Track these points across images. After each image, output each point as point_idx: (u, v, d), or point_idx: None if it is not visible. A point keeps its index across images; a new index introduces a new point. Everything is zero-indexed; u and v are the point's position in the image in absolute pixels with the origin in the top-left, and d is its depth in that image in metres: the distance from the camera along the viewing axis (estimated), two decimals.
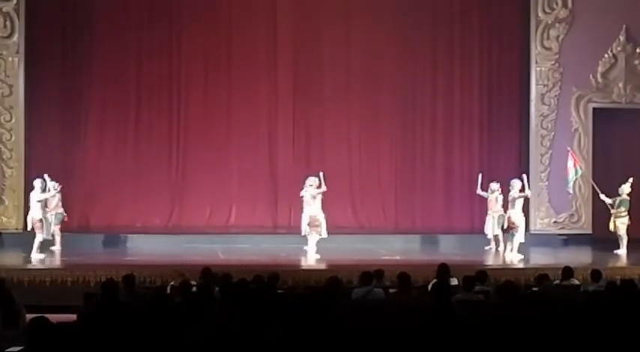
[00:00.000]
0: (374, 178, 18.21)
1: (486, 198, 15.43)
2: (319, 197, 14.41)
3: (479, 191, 15.46)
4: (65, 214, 15.09)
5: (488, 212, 15.40)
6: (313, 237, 14.45)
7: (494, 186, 15.42)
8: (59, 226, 14.93)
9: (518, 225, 14.64)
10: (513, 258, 14.41)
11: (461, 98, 18.16)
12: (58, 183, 14.79)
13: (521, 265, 13.88)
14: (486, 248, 15.50)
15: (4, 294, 8.21)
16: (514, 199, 14.68)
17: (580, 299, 8.00)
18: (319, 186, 14.43)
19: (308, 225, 14.48)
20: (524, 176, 14.96)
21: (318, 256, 14.26)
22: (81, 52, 17.33)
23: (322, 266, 13.75)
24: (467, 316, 6.76)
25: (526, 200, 15.10)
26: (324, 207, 14.54)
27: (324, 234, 14.44)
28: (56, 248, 14.79)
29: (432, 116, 18.25)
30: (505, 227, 14.91)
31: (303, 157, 17.78)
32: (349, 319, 6.48)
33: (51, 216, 14.70)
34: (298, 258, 14.28)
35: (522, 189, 14.71)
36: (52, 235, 14.74)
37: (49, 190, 14.63)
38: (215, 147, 17.79)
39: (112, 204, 17.22)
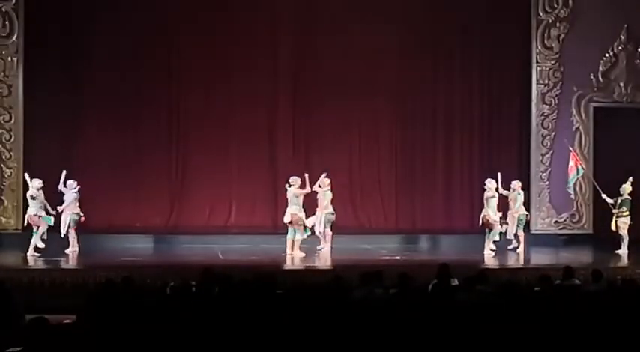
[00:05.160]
0: (374, 178, 18.20)
1: (506, 197, 15.45)
2: (301, 197, 14.66)
3: (501, 190, 15.41)
4: (82, 215, 14.73)
5: (508, 212, 15.40)
6: (297, 235, 14.64)
7: (516, 184, 15.45)
8: (75, 228, 14.60)
9: (494, 223, 14.88)
10: (487, 254, 14.73)
11: (461, 98, 18.15)
12: (75, 183, 14.66)
13: (520, 265, 13.90)
14: (509, 247, 15.48)
15: (3, 294, 8.19)
16: (488, 198, 14.93)
17: (581, 300, 7.97)
18: (302, 186, 14.66)
19: (290, 223, 14.63)
20: (499, 174, 15.27)
21: (303, 255, 14.46)
22: (80, 53, 17.29)
23: (322, 266, 13.75)
24: (467, 316, 6.74)
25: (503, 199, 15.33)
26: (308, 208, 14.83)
27: (304, 235, 14.70)
28: (70, 250, 14.52)
29: (432, 116, 18.23)
30: (480, 224, 15.07)
31: (303, 157, 17.74)
32: (349, 319, 6.46)
33: (66, 217, 14.52)
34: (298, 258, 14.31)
35: (496, 189, 15.03)
36: (67, 236, 14.53)
37: (74, 190, 14.46)
38: (215, 147, 17.77)
39: (112, 204, 17.18)
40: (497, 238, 15.01)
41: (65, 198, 14.57)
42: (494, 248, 14.89)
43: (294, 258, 14.35)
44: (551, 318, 6.56)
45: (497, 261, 14.46)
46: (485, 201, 15.03)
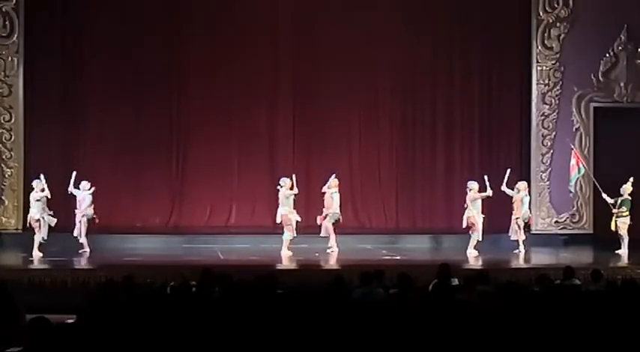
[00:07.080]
0: (375, 178, 18.22)
1: (510, 197, 15.40)
2: (291, 197, 14.81)
3: (504, 187, 15.37)
4: (95, 215, 14.68)
5: (512, 216, 15.35)
6: (286, 235, 14.75)
7: (522, 185, 15.40)
8: (86, 227, 14.60)
9: (477, 224, 14.95)
10: (470, 255, 14.77)
11: (461, 97, 18.15)
12: (89, 184, 14.67)
13: (520, 265, 13.89)
14: (515, 251, 15.38)
15: (3, 294, 8.19)
16: (473, 200, 14.95)
17: (581, 300, 7.97)
18: (291, 188, 14.80)
19: (280, 223, 14.73)
20: (486, 177, 15.21)
21: (290, 253, 14.57)
22: (80, 52, 17.32)
23: (323, 266, 13.76)
24: (467, 316, 6.74)
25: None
26: (296, 208, 14.97)
27: (294, 234, 14.79)
28: (85, 250, 14.51)
29: (433, 115, 18.25)
30: (465, 226, 15.10)
31: (304, 157, 17.77)
32: (350, 319, 6.46)
33: (80, 218, 14.47)
34: (298, 258, 14.30)
35: (481, 190, 15.02)
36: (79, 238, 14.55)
37: (88, 191, 14.47)
38: (215, 147, 17.78)
39: (112, 203, 17.16)
40: (480, 238, 14.99)
41: (79, 199, 14.56)
42: (477, 253, 14.88)
43: (282, 256, 14.42)
44: (551, 318, 6.56)
45: (497, 261, 14.45)
46: (469, 203, 15.02)
